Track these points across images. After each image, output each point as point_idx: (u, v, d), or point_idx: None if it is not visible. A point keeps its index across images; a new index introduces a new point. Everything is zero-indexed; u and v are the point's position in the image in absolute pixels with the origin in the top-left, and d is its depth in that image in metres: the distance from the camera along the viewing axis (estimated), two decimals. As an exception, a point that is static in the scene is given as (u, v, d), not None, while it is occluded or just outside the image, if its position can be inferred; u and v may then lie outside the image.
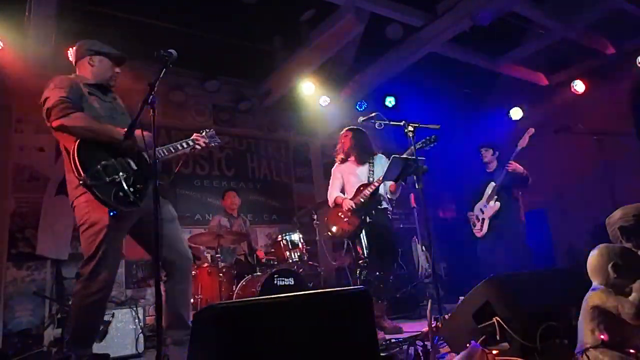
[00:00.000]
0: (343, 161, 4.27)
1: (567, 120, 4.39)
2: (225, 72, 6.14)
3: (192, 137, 2.83)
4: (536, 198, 6.08)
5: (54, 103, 2.44)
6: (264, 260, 4.93)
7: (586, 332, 1.74)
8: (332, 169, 4.36)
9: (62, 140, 2.50)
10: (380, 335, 3.19)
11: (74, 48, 2.80)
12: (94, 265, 2.40)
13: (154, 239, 1.99)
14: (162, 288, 2.50)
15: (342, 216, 3.98)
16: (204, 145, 2.82)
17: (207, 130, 2.96)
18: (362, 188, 3.98)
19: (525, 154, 4.54)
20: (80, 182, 2.31)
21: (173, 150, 2.69)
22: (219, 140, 2.99)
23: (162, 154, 2.65)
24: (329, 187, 4.30)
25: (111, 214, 2.38)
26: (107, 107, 2.67)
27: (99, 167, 2.35)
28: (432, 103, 6.82)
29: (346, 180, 4.20)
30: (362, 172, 4.12)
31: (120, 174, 2.39)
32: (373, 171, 4.10)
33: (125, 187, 2.36)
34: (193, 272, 4.22)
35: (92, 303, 2.41)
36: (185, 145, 2.76)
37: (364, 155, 4.14)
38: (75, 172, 2.33)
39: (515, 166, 4.52)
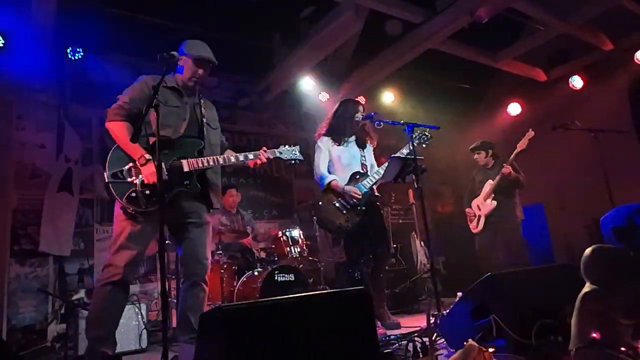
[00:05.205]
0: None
1: (565, 116, 4.40)
2: (224, 68, 6.10)
3: (258, 152, 2.83)
4: (534, 193, 6.12)
5: (112, 106, 2.61)
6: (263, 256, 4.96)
7: (579, 330, 1.80)
8: (318, 141, 3.90)
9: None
10: (380, 331, 3.24)
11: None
12: (111, 254, 2.50)
13: (159, 239, 2.06)
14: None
15: (340, 207, 3.62)
16: (265, 161, 2.84)
17: (288, 147, 3.01)
18: (358, 177, 3.70)
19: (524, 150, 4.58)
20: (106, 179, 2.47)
21: (234, 160, 2.76)
22: (300, 158, 3.01)
23: (222, 162, 2.71)
24: (316, 161, 3.84)
25: (122, 212, 2.51)
26: (170, 113, 2.62)
27: (124, 168, 2.49)
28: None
29: (334, 158, 3.80)
30: (354, 153, 3.79)
31: (141, 177, 2.47)
32: (365, 156, 3.82)
33: (140, 190, 2.45)
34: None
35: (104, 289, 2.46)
36: (243, 159, 2.79)
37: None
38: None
39: (509, 170, 4.54)
